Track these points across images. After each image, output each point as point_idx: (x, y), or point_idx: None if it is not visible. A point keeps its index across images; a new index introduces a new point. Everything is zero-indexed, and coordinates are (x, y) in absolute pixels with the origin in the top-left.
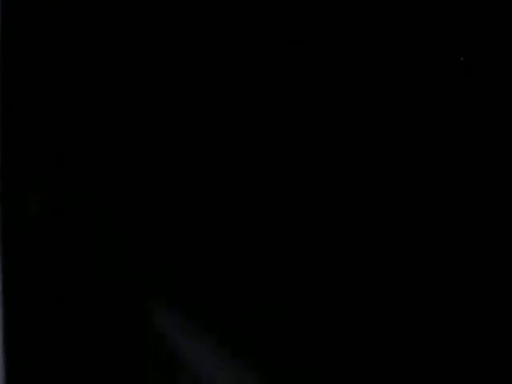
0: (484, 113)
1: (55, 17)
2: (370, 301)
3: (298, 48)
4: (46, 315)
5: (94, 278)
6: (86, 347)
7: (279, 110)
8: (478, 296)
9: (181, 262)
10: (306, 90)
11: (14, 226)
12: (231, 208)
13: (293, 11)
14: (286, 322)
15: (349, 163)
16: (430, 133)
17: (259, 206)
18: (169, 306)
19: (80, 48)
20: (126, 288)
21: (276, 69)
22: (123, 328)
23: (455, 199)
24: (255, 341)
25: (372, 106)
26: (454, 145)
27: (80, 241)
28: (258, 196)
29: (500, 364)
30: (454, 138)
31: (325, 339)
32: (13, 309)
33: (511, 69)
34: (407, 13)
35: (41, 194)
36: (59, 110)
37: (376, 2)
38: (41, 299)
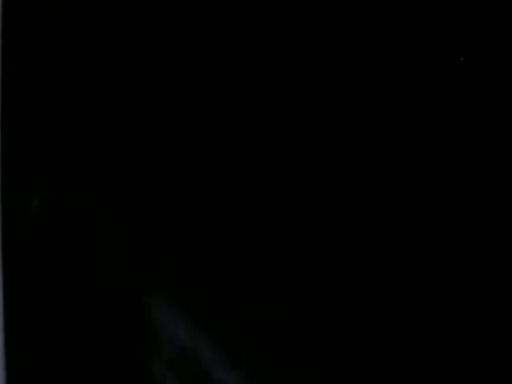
0: (484, 113)
1: (55, 17)
2: (370, 301)
3: (298, 48)
4: (46, 314)
5: (93, 277)
6: (85, 347)
7: (279, 110)
8: (478, 296)
9: (180, 261)
10: (306, 90)
11: (14, 226)
12: (231, 208)
13: (293, 11)
14: (286, 322)
15: (349, 163)
16: (429, 132)
17: (259, 206)
18: (168, 306)
19: (80, 48)
20: (126, 287)
21: (276, 69)
22: (123, 327)
23: (455, 199)
24: (255, 340)
25: (372, 105)
26: (453, 144)
27: (80, 240)
28: (258, 196)
29: (500, 364)
30: (453, 138)
31: (324, 339)
32: (14, 308)
33: (511, 69)
34: (407, 13)
35: (41, 194)
36: (59, 111)
37: (376, 2)
38: (41, 299)
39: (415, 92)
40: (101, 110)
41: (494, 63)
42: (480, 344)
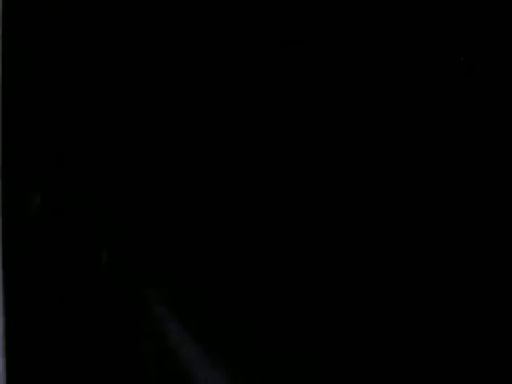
0: (484, 112)
1: (56, 17)
2: (369, 302)
3: (298, 48)
4: (46, 314)
5: (93, 277)
6: (85, 347)
7: (279, 110)
8: (478, 296)
9: (180, 261)
10: (306, 90)
11: (15, 226)
12: (231, 208)
13: (293, 11)
14: (285, 324)
15: (349, 163)
16: (429, 132)
17: (259, 206)
18: (168, 306)
19: (80, 49)
20: (126, 287)
21: (276, 69)
22: (123, 327)
23: (455, 199)
24: (254, 341)
25: (372, 105)
26: (453, 144)
27: (80, 240)
28: (258, 196)
29: (500, 364)
30: (453, 138)
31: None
32: (14, 308)
33: (511, 69)
34: (407, 13)
35: (41, 194)
36: (59, 111)
37: (376, 2)
38: (41, 298)
39: (415, 92)
40: (101, 111)
41: (494, 63)
42: (479, 344)
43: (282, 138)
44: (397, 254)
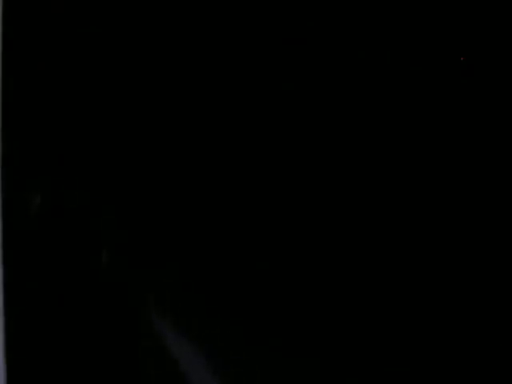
0: (484, 112)
1: (56, 17)
2: (369, 302)
3: (298, 48)
4: (46, 314)
5: (93, 277)
6: (85, 346)
7: (279, 111)
8: (478, 296)
9: (180, 262)
10: (306, 90)
11: (15, 226)
12: (231, 208)
13: (293, 11)
14: (286, 325)
15: (349, 164)
16: (429, 133)
17: (259, 206)
18: (168, 306)
19: (80, 48)
20: (126, 288)
21: (276, 69)
22: (123, 328)
23: (455, 199)
24: (254, 342)
25: (372, 106)
26: (453, 145)
27: (80, 240)
28: (258, 197)
29: (500, 364)
30: (453, 138)
31: (308, 345)
32: (14, 308)
33: (511, 69)
34: (407, 13)
35: (41, 194)
36: (59, 111)
37: (376, 2)
38: (41, 298)
39: (415, 92)
40: (101, 110)
41: (494, 63)
42: (480, 344)
43: (282, 137)
44: (397, 254)
